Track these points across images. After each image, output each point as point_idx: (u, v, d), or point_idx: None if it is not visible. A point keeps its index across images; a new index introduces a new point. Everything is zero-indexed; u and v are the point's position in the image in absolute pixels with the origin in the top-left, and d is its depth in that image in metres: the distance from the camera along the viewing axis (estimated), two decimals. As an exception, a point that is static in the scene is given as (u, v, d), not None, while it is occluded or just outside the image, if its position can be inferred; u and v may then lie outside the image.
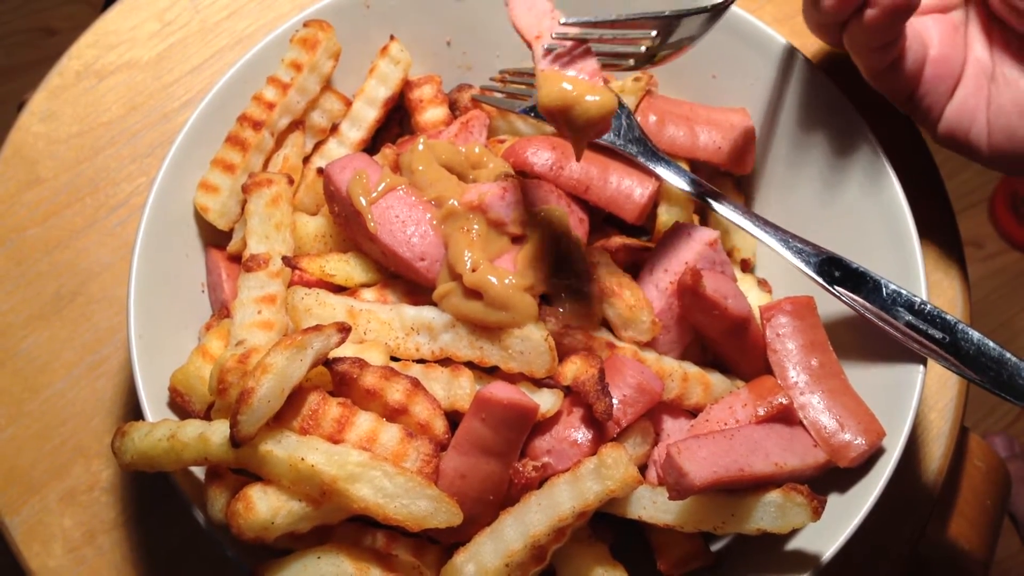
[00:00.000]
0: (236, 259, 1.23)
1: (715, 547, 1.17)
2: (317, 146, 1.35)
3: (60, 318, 1.41)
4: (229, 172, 1.24)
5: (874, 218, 1.21)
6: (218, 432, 1.00)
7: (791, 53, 1.28)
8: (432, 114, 1.35)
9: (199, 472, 1.09)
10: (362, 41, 1.34)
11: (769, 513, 1.01)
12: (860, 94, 1.25)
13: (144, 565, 1.30)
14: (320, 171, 1.28)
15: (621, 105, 1.29)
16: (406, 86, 1.37)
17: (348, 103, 1.34)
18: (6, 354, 1.38)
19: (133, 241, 1.17)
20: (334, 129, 1.34)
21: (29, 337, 1.40)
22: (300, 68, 1.27)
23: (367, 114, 1.34)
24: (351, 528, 1.06)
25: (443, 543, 1.07)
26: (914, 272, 1.16)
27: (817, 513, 0.99)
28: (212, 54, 1.57)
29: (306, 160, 1.33)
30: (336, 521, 1.04)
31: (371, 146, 1.36)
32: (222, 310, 1.22)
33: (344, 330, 1.04)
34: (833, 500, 1.07)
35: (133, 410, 1.33)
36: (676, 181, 1.23)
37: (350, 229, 1.19)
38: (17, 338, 1.39)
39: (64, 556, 1.29)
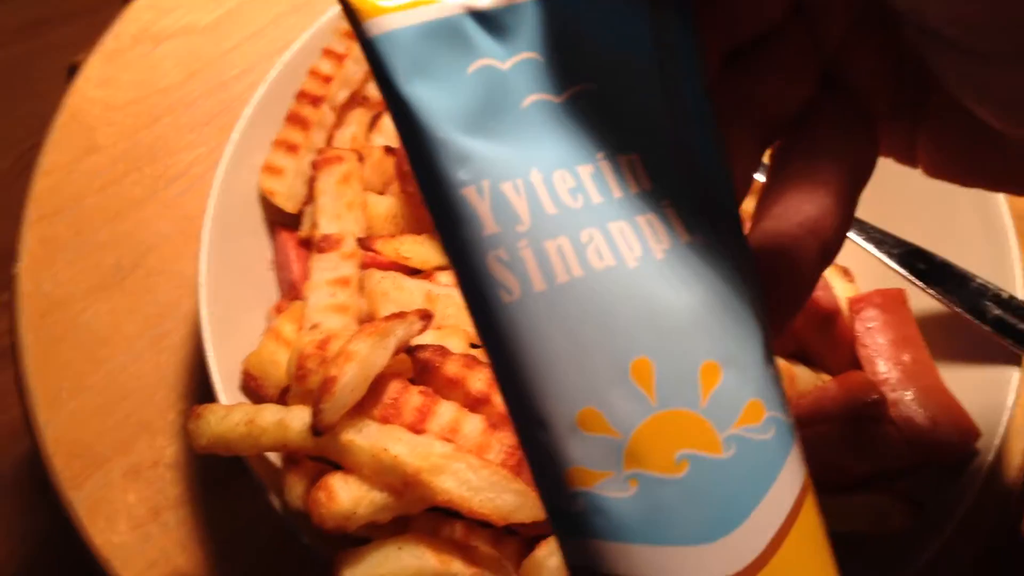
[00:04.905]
0: (305, 241, 1.20)
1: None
2: (374, 120, 1.31)
3: (121, 290, 1.38)
4: (292, 152, 1.21)
5: (965, 208, 1.17)
6: (297, 419, 0.98)
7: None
8: None
9: (271, 456, 1.07)
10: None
11: (864, 513, 0.98)
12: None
13: (210, 543, 1.29)
14: (388, 149, 1.25)
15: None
16: None
17: None
18: (67, 326, 1.36)
19: (193, 213, 1.15)
20: (390, 101, 1.31)
21: (90, 308, 1.37)
22: (353, 36, 1.23)
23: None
24: (429, 518, 1.04)
25: (523, 535, 1.05)
26: (1007, 266, 1.12)
27: (915, 515, 0.97)
28: (271, 20, 1.53)
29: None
30: (416, 511, 1.02)
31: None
32: (291, 291, 1.19)
33: (427, 317, 1.01)
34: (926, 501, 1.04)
35: (198, 387, 1.31)
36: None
37: (425, 209, 1.16)
38: (77, 309, 1.37)
39: (129, 532, 1.28)
